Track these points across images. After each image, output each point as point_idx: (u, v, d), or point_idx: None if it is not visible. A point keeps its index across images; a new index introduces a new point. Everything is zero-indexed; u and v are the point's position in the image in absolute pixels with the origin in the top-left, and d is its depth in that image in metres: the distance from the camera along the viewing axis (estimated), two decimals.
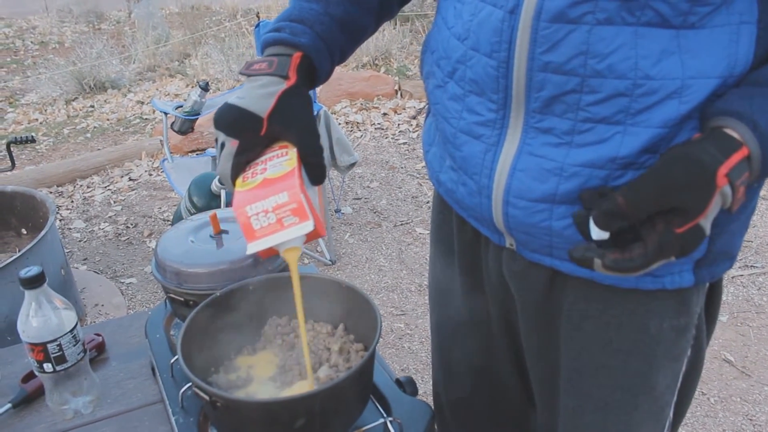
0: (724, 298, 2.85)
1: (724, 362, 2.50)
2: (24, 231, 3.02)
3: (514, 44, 0.80)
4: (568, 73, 0.77)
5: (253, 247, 0.85)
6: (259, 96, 0.90)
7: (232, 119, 0.90)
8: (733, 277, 2.98)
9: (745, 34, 0.74)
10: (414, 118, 4.92)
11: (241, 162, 0.91)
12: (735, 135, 0.72)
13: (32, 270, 1.04)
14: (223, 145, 0.91)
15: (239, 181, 0.91)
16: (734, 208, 0.74)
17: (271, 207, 0.84)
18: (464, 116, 0.91)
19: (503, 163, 0.87)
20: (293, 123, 0.91)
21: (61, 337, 1.08)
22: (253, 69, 0.93)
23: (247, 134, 0.90)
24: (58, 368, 1.10)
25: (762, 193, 3.67)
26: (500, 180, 0.88)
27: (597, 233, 0.76)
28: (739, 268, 3.05)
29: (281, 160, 0.90)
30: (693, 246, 0.74)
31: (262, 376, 1.02)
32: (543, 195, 0.84)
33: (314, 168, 0.92)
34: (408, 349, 2.70)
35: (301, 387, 0.99)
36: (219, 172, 0.92)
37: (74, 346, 1.10)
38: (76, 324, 1.10)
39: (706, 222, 0.73)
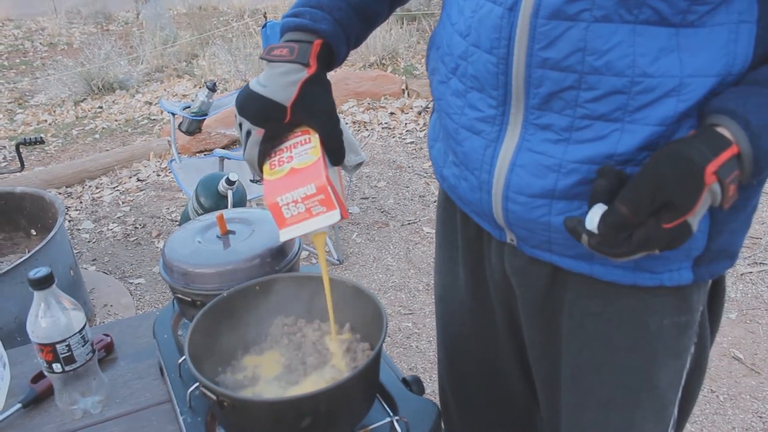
0: (733, 295, 2.84)
1: (733, 360, 2.49)
2: (33, 232, 3.04)
3: (513, 41, 0.81)
4: (566, 70, 0.78)
5: (285, 234, 0.92)
6: (282, 85, 0.93)
7: (257, 109, 0.94)
8: (742, 275, 2.97)
9: (745, 33, 0.74)
10: (419, 114, 4.92)
11: (267, 149, 0.96)
12: (726, 133, 0.72)
13: (41, 271, 1.05)
14: (248, 133, 0.95)
15: (266, 167, 0.96)
16: (725, 206, 0.74)
17: (300, 197, 0.90)
18: (466, 112, 0.92)
19: (503, 159, 0.87)
20: (315, 111, 0.95)
21: (70, 337, 1.08)
22: (275, 55, 0.95)
23: (272, 123, 0.95)
24: (67, 368, 1.10)
25: None
26: (500, 175, 0.88)
27: (590, 224, 0.76)
28: (748, 265, 3.03)
29: (305, 148, 0.95)
30: (678, 242, 0.74)
31: (268, 375, 1.03)
32: (542, 191, 0.85)
33: (335, 151, 0.96)
34: (416, 348, 2.70)
35: (308, 386, 0.99)
36: (246, 159, 0.97)
37: (83, 346, 1.11)
38: (85, 324, 1.11)
39: (694, 219, 0.73)
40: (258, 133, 0.95)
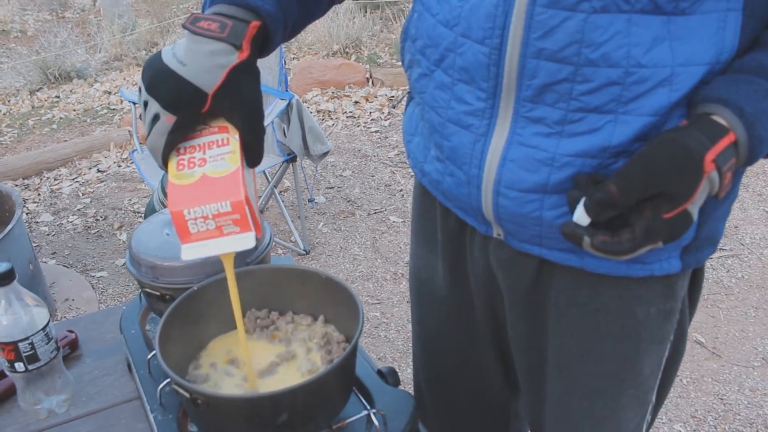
0: None
1: (695, 344, 2.55)
2: None
3: (508, 30, 0.78)
4: (562, 62, 0.76)
5: (188, 251, 0.81)
6: (206, 67, 0.79)
7: (173, 91, 0.80)
8: None
9: (732, 21, 0.74)
10: (394, 107, 4.88)
11: (176, 139, 0.83)
12: (722, 121, 0.72)
13: (1, 266, 1.01)
14: (156, 117, 0.81)
15: (172, 164, 0.83)
16: (721, 194, 0.74)
17: (211, 214, 0.79)
18: (452, 105, 0.89)
19: (493, 153, 0.85)
20: (240, 104, 0.83)
21: (33, 335, 1.05)
22: (201, 27, 0.80)
23: (188, 111, 0.81)
24: (30, 367, 1.07)
25: None
26: (490, 170, 0.86)
27: (578, 216, 0.76)
28: None
29: (222, 152, 0.82)
30: (680, 232, 0.74)
31: (241, 370, 1.01)
32: (534, 185, 0.83)
33: (254, 152, 0.86)
34: (384, 338, 2.70)
35: (283, 380, 0.97)
36: (149, 146, 0.83)
37: (47, 344, 1.07)
38: (49, 321, 1.08)
39: (694, 208, 0.73)
40: (168, 119, 0.80)
